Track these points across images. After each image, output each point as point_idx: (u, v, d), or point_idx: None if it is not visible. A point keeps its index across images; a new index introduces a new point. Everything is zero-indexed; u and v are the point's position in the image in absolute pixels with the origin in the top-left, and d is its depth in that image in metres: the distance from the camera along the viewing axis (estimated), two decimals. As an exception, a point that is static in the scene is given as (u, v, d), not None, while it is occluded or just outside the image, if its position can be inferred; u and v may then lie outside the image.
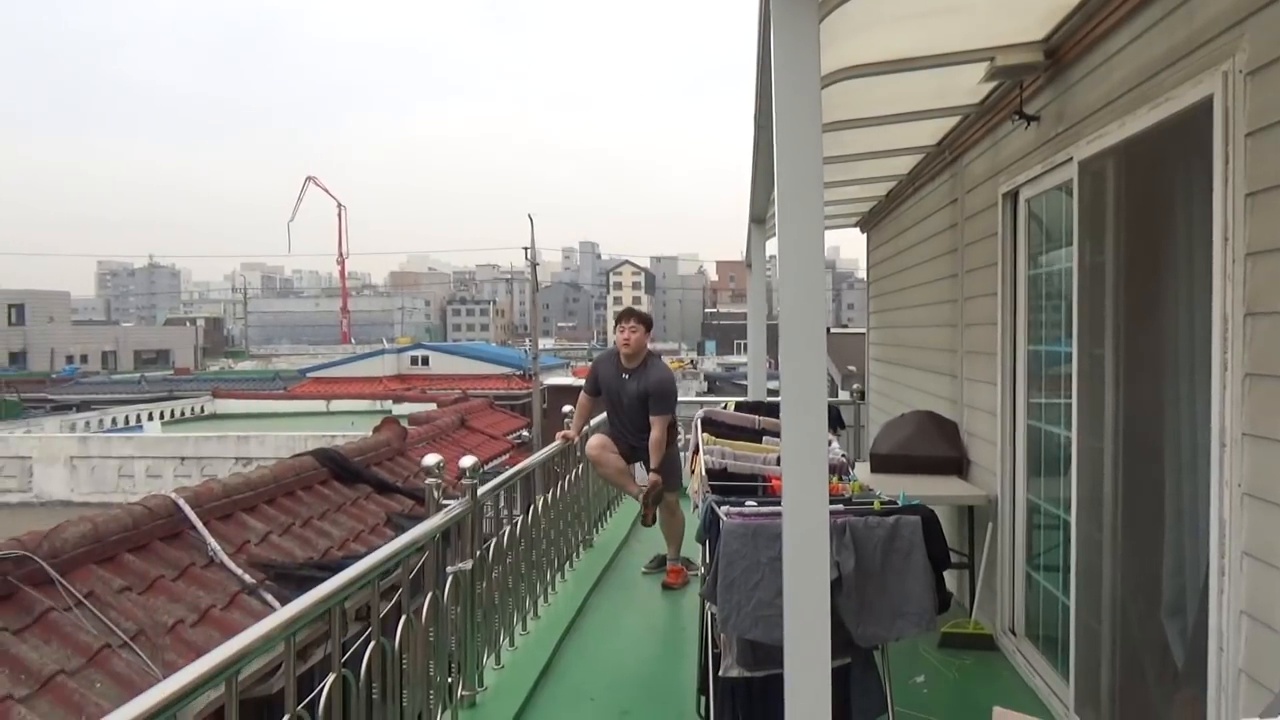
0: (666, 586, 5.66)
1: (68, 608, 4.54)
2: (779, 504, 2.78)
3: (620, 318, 5.90)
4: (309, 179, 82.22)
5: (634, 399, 5.67)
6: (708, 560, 3.15)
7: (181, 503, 5.72)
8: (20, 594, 4.48)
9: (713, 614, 3.07)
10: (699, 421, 4.63)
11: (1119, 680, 3.38)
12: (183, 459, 10.96)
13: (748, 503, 3.22)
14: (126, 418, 18.17)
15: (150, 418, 18.36)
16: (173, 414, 19.52)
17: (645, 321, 5.81)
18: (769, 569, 2.66)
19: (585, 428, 6.19)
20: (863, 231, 9.05)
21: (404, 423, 10.52)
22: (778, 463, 4.19)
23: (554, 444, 5.87)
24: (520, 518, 4.78)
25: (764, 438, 4.66)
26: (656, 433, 5.52)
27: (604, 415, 6.26)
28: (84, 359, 48.73)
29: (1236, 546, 2.39)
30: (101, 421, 17.66)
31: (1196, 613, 2.80)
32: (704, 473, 3.92)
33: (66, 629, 4.39)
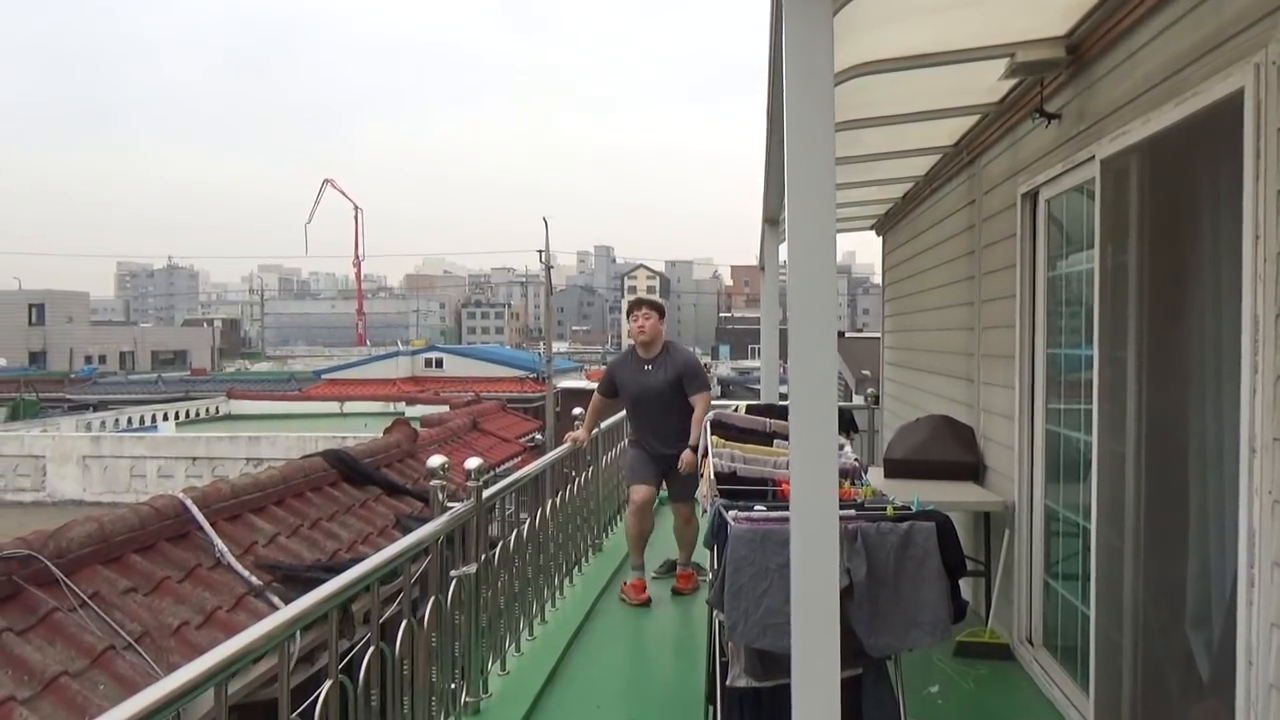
0: (676, 591, 5.56)
1: (72, 608, 4.51)
2: (789, 508, 2.71)
3: (632, 308, 5.62)
4: (326, 181, 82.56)
5: (663, 388, 5.38)
6: (715, 566, 3.07)
7: (189, 503, 5.69)
8: (25, 594, 4.46)
9: (720, 621, 3.00)
10: (708, 424, 4.56)
11: (1141, 692, 3.28)
12: (194, 459, 10.97)
13: (757, 507, 3.13)
14: (142, 418, 18.25)
15: (165, 418, 18.45)
16: (188, 414, 19.60)
17: (658, 309, 5.56)
18: (778, 576, 2.58)
19: (596, 430, 6.09)
20: (879, 235, 8.95)
21: (416, 424, 10.50)
22: (788, 466, 4.11)
23: (563, 447, 5.80)
24: (527, 521, 4.72)
25: (775, 441, 4.58)
26: (700, 410, 5.31)
27: (614, 419, 6.12)
28: (102, 359, 49.11)
29: (1267, 556, 2.29)
30: (117, 421, 17.75)
31: (1223, 624, 2.70)
32: (713, 476, 3.83)
33: (71, 630, 4.36)
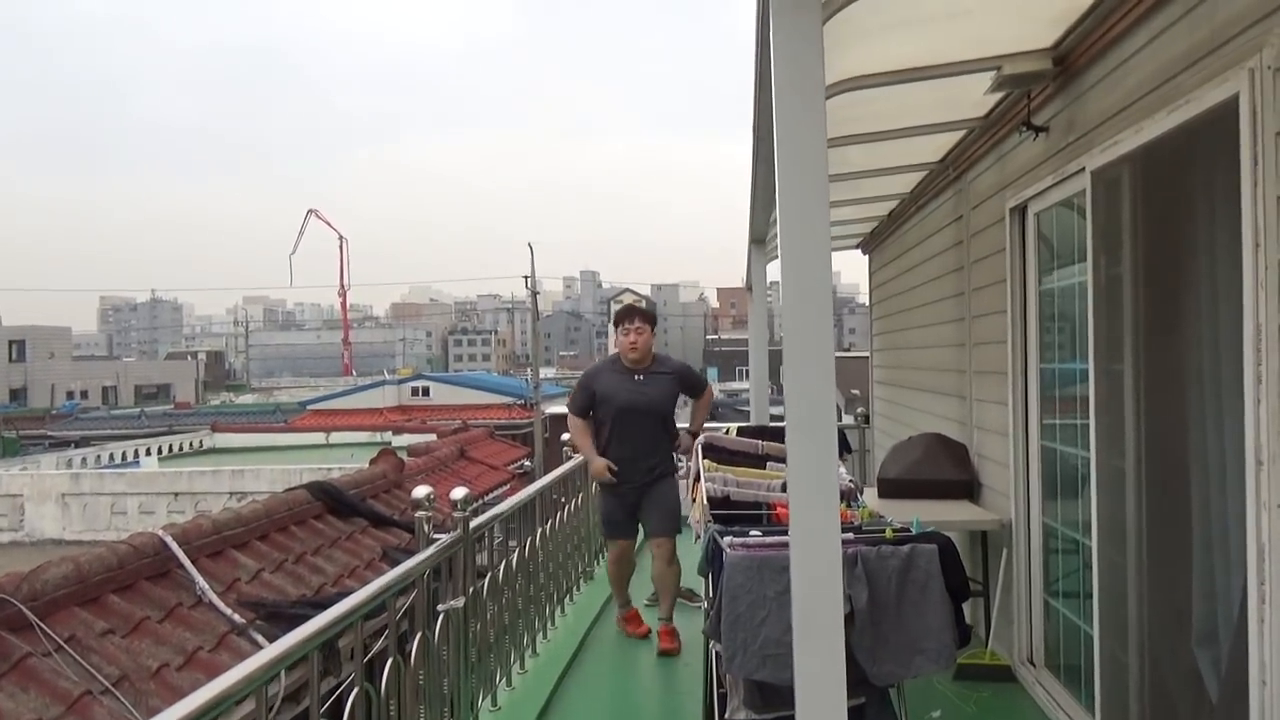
0: (662, 653, 4.89)
1: (47, 653, 4.36)
2: (786, 533, 2.64)
3: (620, 318, 5.00)
4: (310, 211, 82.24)
5: (662, 401, 4.91)
6: (711, 594, 2.98)
7: (169, 540, 5.54)
8: (-3, 639, 4.31)
9: (717, 652, 2.91)
10: (699, 448, 4.48)
11: (1149, 714, 3.20)
12: (176, 494, 10.76)
13: (752, 532, 3.06)
14: (124, 453, 17.99)
15: (148, 453, 18.19)
16: (171, 449, 19.35)
17: (651, 319, 5.02)
18: (776, 604, 2.50)
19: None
20: (865, 253, 8.95)
21: (403, 454, 10.36)
22: (783, 489, 4.03)
23: (553, 474, 5.69)
24: (517, 550, 4.61)
25: (768, 463, 4.51)
26: (707, 397, 5.14)
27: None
28: (84, 394, 48.63)
29: (1279, 571, 2.22)
30: (99, 458, 17.48)
31: (1232, 643, 2.63)
32: (705, 501, 3.76)
33: (45, 675, 4.21)
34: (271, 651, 2.27)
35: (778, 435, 4.60)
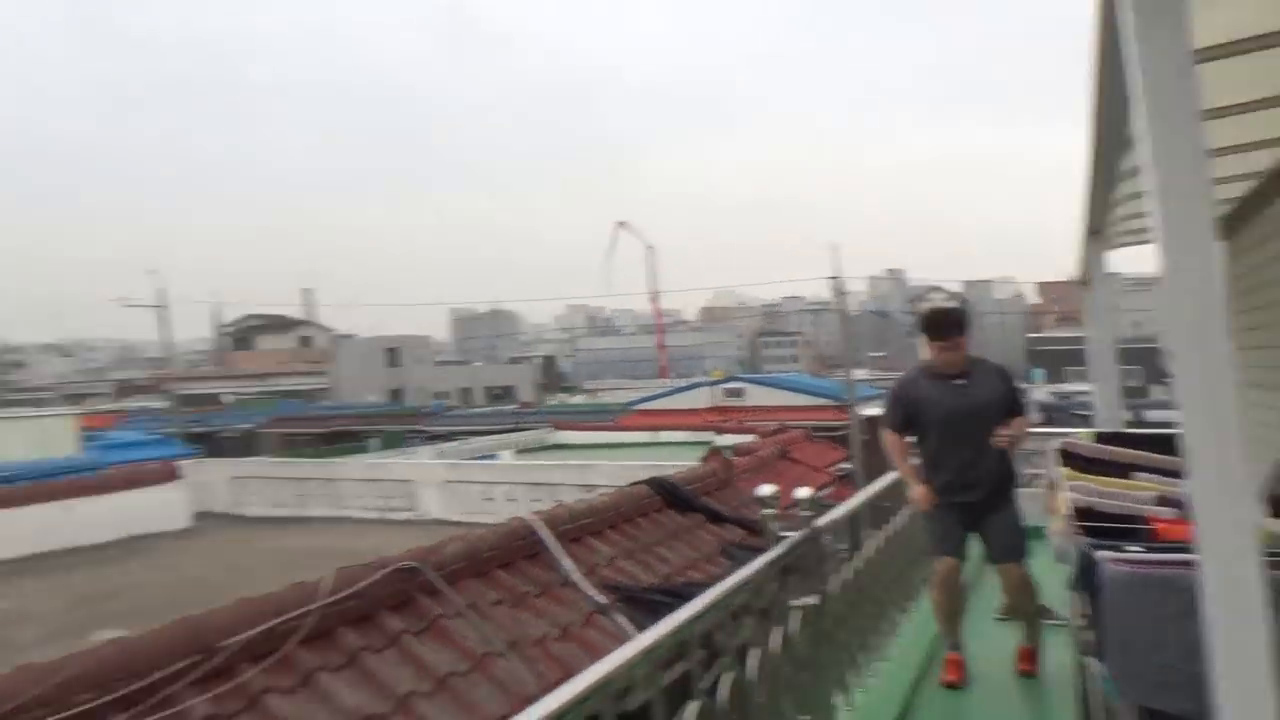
0: (1024, 673, 4.65)
1: (453, 616, 5.13)
2: (1174, 551, 2.47)
3: (932, 329, 4.51)
4: (620, 224, 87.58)
5: (987, 406, 4.45)
6: (1088, 612, 2.84)
7: (538, 525, 6.27)
8: (415, 601, 5.15)
9: (1095, 673, 2.76)
10: (1058, 454, 4.24)
11: None
12: (534, 485, 12.14)
13: (1128, 547, 2.87)
14: (484, 447, 20.42)
15: (502, 447, 20.48)
16: (522, 444, 21.57)
17: (964, 327, 4.51)
18: (1173, 626, 2.34)
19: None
20: (1222, 239, 7.84)
21: (728, 453, 10.76)
22: (1159, 503, 3.70)
23: (885, 479, 5.64)
24: (860, 552, 4.65)
25: (1131, 473, 4.16)
26: (1026, 420, 4.66)
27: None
28: (446, 395, 55.70)
29: None
30: (462, 450, 20.00)
31: None
32: (1071, 512, 3.56)
33: (454, 635, 4.96)
34: (662, 629, 2.55)
35: (1138, 443, 4.25)
